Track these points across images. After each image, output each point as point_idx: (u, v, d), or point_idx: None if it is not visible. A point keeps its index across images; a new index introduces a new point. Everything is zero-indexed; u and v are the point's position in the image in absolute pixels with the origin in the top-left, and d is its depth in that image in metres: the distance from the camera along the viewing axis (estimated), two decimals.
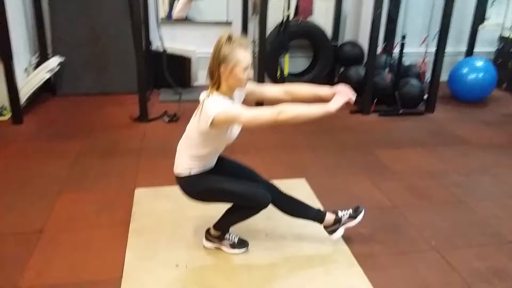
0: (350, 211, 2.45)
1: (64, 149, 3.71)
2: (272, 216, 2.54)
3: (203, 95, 2.09)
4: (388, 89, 4.92)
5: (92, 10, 5.01)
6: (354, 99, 2.14)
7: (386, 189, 3.22)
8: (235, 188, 2.22)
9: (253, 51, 1.93)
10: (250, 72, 2.08)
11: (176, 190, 2.98)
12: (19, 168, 3.36)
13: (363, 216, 2.46)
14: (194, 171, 2.20)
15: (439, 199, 3.13)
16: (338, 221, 2.43)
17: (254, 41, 5.29)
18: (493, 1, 6.14)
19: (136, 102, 4.37)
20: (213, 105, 1.99)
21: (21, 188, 3.07)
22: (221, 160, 2.35)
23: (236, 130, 2.19)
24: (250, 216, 2.32)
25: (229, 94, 2.11)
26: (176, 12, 5.48)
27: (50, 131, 4.11)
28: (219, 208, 2.37)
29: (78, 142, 3.84)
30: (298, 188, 3.16)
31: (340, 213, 2.45)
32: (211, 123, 1.98)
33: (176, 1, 5.42)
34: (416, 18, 5.09)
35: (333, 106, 2.05)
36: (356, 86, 5.06)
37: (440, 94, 5.03)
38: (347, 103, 2.13)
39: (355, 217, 2.43)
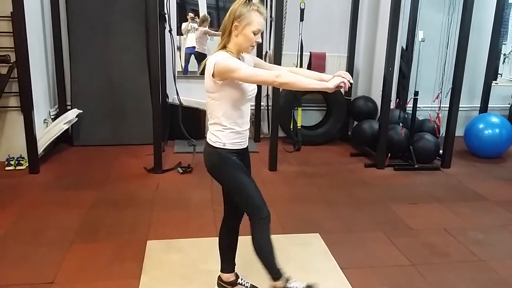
0: (304, 285, 2.22)
1: (79, 199, 3.72)
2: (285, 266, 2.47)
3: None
4: (402, 144, 4.92)
5: (111, 64, 5.18)
6: (350, 84, 2.08)
7: (402, 246, 3.13)
8: (249, 187, 2.19)
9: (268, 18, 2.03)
10: (259, 38, 2.13)
11: (188, 242, 2.94)
12: (33, 218, 3.37)
13: None
14: (223, 140, 2.15)
15: (458, 257, 3.03)
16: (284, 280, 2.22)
17: (267, 95, 5.39)
18: (505, 58, 6.24)
19: (151, 153, 4.42)
20: (214, 56, 2.07)
21: (34, 238, 3.06)
22: (247, 160, 2.33)
23: (250, 85, 2.17)
24: (268, 237, 2.20)
25: (235, 54, 2.14)
26: (197, 49, 5.73)
27: (66, 181, 4.15)
28: None
29: (92, 192, 3.86)
30: (312, 243, 3.10)
31: (291, 284, 2.21)
32: (213, 73, 2.04)
33: (187, 34, 5.63)
34: (429, 74, 5.15)
35: (331, 83, 2.04)
36: (370, 140, 5.11)
37: (456, 149, 5.00)
38: (345, 87, 2.07)
39: None
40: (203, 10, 5.86)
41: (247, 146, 2.30)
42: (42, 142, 4.50)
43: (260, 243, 2.22)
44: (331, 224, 3.45)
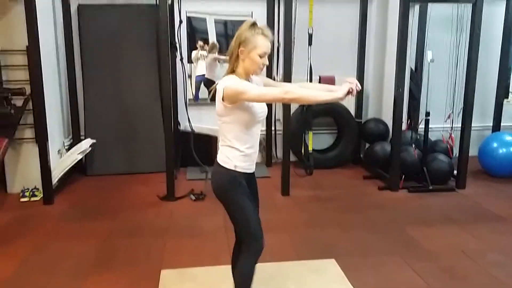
0: None
1: (93, 229, 3.73)
2: None
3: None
4: (415, 165, 4.87)
5: (124, 93, 5.27)
6: (359, 89, 2.12)
7: (420, 270, 3.07)
8: (251, 215, 2.21)
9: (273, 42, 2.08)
10: (266, 61, 2.16)
11: (202, 271, 2.92)
12: (49, 249, 3.38)
13: None
14: (234, 162, 2.18)
15: (478, 280, 2.96)
16: None
17: (278, 120, 5.41)
18: None
19: (164, 181, 4.43)
20: (224, 81, 2.11)
21: (50, 269, 3.07)
22: (254, 184, 2.35)
23: (260, 106, 2.20)
24: (252, 266, 2.26)
25: (244, 77, 2.17)
26: (207, 75, 5.73)
27: (80, 211, 4.17)
28: None
29: (106, 222, 3.87)
30: (328, 269, 3.05)
31: None
32: (223, 97, 2.08)
33: (197, 62, 5.70)
34: (439, 95, 5.14)
35: (340, 92, 2.07)
36: (383, 163, 5.08)
37: (470, 169, 4.93)
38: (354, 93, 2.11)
39: None
40: (212, 38, 5.95)
41: (254, 172, 2.31)
42: (56, 173, 4.55)
43: (244, 269, 2.28)
44: (346, 249, 3.40)
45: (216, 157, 2.24)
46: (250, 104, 2.15)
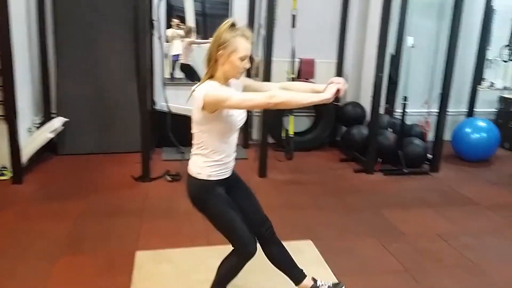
0: (330, 284, 2.31)
1: (65, 210, 3.63)
2: (273, 277, 2.42)
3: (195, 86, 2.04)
4: (391, 149, 4.91)
5: (98, 71, 5.09)
6: (345, 88, 2.02)
7: (396, 252, 3.11)
8: (230, 223, 2.12)
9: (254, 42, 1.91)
10: (247, 64, 2.03)
11: (178, 253, 2.88)
12: (19, 230, 3.26)
13: None
14: (207, 171, 2.08)
15: (451, 262, 3.02)
16: None
17: None
18: (490, 64, 6.30)
19: (139, 161, 4.34)
20: (203, 87, 1.97)
21: (21, 251, 2.96)
22: (237, 183, 2.27)
23: (238, 114, 2.09)
24: (238, 268, 2.21)
25: (223, 82, 2.04)
26: (182, 60, 5.76)
27: (51, 191, 4.05)
28: None
29: (79, 203, 3.77)
30: (305, 250, 3.06)
31: (318, 282, 2.31)
32: (203, 105, 1.93)
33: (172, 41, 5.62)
34: (417, 80, 5.18)
35: (328, 93, 1.96)
36: (359, 146, 5.10)
37: (444, 153, 5.01)
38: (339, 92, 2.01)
39: None
40: (190, 19, 5.83)
41: (232, 171, 2.23)
42: (27, 152, 4.39)
43: (230, 265, 2.22)
44: (323, 231, 3.41)
45: (188, 165, 2.14)
46: (229, 113, 2.02)
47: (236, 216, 2.13)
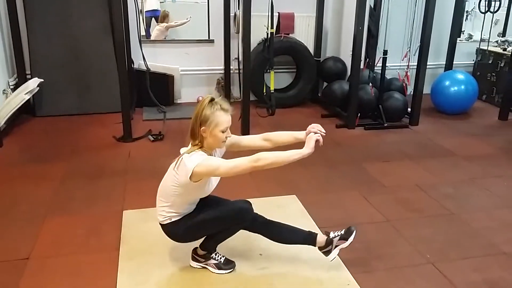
0: (342, 232, 2.40)
1: (48, 172, 3.60)
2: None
3: (183, 150, 2.18)
4: (372, 103, 4.96)
5: (72, 30, 4.92)
6: (324, 134, 2.25)
7: (377, 203, 3.20)
8: (215, 214, 2.25)
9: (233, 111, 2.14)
10: (229, 133, 2.18)
11: None
12: (1, 193, 3.24)
13: (355, 236, 2.39)
14: (175, 218, 2.24)
15: (430, 211, 3.13)
16: (330, 243, 2.37)
17: (236, 58, 5.28)
18: (467, 15, 6.31)
19: (119, 121, 4.29)
20: (192, 158, 2.07)
21: (5, 214, 2.95)
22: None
23: (215, 182, 2.27)
24: (234, 232, 2.34)
25: (209, 151, 2.19)
26: (153, 37, 5.73)
27: (32, 153, 3.99)
28: None
29: (61, 164, 3.73)
30: (289, 205, 3.12)
31: (331, 234, 2.40)
32: (191, 175, 2.04)
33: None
34: (397, 34, 5.16)
35: (308, 148, 2.16)
36: (340, 101, 5.12)
37: (423, 106, 5.08)
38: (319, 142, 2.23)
39: (347, 239, 2.37)
40: None
41: None
42: (3, 114, 4.29)
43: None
44: (306, 185, 3.47)
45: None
46: (207, 180, 2.16)
47: (212, 208, 2.26)
